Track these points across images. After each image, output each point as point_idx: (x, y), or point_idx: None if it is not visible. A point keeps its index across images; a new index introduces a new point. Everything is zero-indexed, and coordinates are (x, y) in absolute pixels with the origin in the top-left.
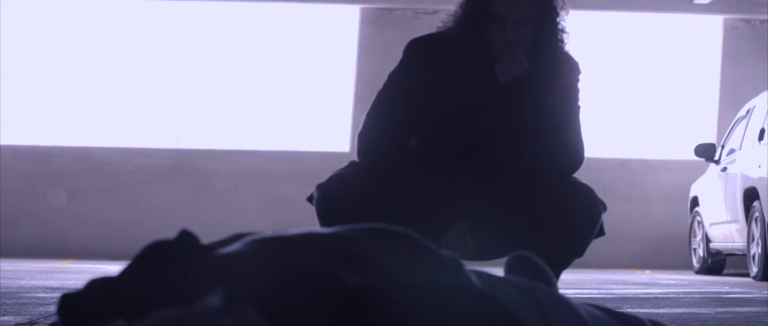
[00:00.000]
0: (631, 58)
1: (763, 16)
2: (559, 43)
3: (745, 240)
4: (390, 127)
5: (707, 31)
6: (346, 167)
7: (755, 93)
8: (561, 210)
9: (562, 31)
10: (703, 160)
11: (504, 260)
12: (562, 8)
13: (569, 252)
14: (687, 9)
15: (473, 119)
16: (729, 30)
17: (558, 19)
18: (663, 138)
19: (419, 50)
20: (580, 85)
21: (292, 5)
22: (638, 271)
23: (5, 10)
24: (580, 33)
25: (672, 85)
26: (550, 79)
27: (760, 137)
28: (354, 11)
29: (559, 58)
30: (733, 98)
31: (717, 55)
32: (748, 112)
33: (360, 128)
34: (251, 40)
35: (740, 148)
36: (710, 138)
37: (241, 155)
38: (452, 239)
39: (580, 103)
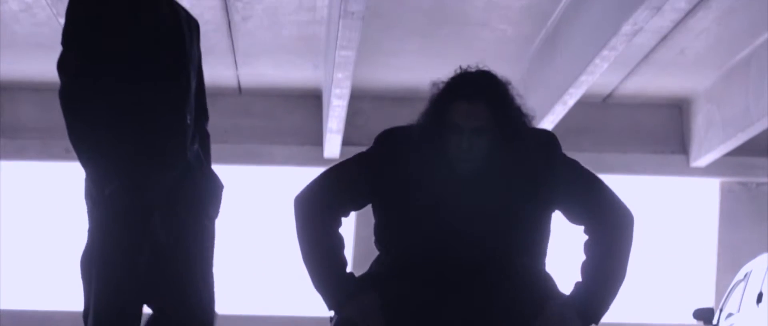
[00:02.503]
0: None
1: (760, 179)
2: (525, 144)
3: None
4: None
5: (704, 194)
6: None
7: (753, 256)
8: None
9: (524, 125)
10: (701, 323)
11: None
12: (520, 105)
13: None
14: (684, 172)
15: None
16: (726, 193)
17: (518, 127)
18: (661, 301)
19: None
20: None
21: None
22: None
23: (5, 175)
24: None
25: (669, 248)
26: (520, 179)
27: (758, 300)
28: None
29: (529, 158)
30: (731, 261)
31: (714, 217)
32: (746, 275)
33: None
34: None
35: (739, 311)
36: (708, 301)
37: None
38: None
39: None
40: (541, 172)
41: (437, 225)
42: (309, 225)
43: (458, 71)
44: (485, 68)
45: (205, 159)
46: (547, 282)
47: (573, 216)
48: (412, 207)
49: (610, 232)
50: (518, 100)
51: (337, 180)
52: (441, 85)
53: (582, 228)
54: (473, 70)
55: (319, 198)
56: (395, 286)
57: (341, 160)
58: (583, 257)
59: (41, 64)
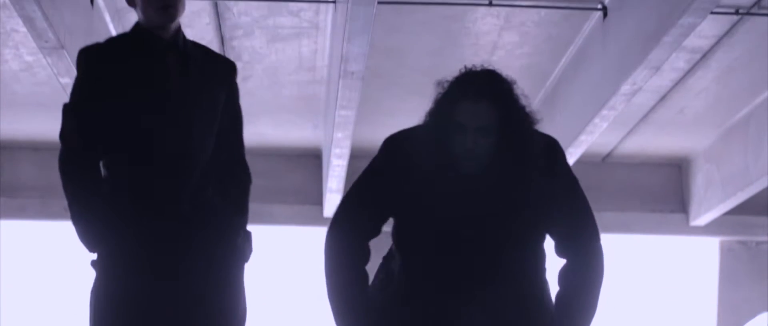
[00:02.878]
0: (628, 280)
1: (760, 238)
2: (529, 154)
3: None
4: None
5: (704, 253)
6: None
7: (753, 315)
8: None
9: (529, 125)
10: None
11: None
12: (530, 122)
13: None
14: (684, 231)
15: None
16: (726, 252)
17: (523, 125)
18: None
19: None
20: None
21: None
22: None
23: (4, 234)
24: None
25: (669, 307)
26: (524, 183)
27: None
28: None
29: (532, 159)
30: (732, 320)
31: (714, 277)
32: None
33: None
34: None
35: None
36: None
37: None
38: None
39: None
40: (543, 176)
41: (444, 226)
42: (335, 269)
43: (463, 70)
44: (490, 67)
45: (224, 207)
46: (542, 293)
47: (555, 232)
48: (421, 207)
49: (589, 262)
50: (523, 100)
51: (358, 200)
52: (446, 85)
53: (558, 248)
54: (478, 69)
55: (345, 230)
56: (407, 311)
57: (356, 178)
58: (559, 284)
59: (41, 124)
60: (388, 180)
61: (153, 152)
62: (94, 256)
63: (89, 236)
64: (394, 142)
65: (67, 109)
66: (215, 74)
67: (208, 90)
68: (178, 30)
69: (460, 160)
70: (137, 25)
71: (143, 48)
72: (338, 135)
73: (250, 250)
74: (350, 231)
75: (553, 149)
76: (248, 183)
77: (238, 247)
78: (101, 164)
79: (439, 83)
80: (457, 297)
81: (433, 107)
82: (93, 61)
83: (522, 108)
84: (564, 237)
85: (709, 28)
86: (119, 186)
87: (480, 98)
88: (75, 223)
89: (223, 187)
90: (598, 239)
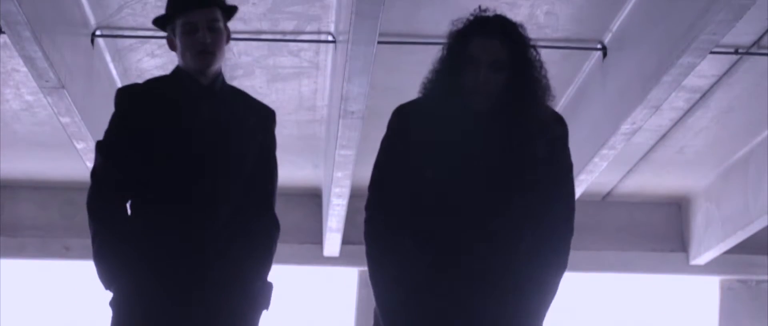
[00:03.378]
0: (629, 320)
1: (761, 277)
2: (538, 94)
3: None
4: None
5: (704, 292)
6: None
7: None
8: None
9: (540, 81)
10: None
11: None
12: (539, 63)
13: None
14: (684, 270)
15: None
16: (726, 291)
17: (534, 72)
18: None
19: (404, 120)
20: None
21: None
22: None
23: (4, 273)
24: (576, 295)
25: None
26: (532, 124)
27: None
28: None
29: (539, 107)
30: None
31: (714, 316)
32: None
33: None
34: None
35: None
36: None
37: None
38: None
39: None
40: (545, 142)
41: (449, 173)
42: (375, 254)
43: (476, 11)
44: (502, 13)
45: (246, 255)
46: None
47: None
48: (427, 145)
49: (557, 243)
50: (534, 50)
51: (386, 161)
52: (459, 25)
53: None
54: (490, 14)
55: (383, 207)
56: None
57: (381, 139)
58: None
59: (41, 163)
60: (405, 125)
61: (177, 196)
62: (111, 296)
63: (106, 274)
64: (405, 106)
65: (98, 146)
66: (251, 121)
67: (240, 136)
68: (218, 75)
69: (471, 95)
70: (177, 68)
71: (178, 91)
72: (338, 174)
73: (268, 301)
74: (388, 200)
75: (561, 122)
76: (274, 233)
77: (254, 296)
78: (129, 204)
79: (452, 22)
80: (457, 254)
81: (446, 42)
82: (126, 100)
83: (534, 49)
84: (540, 212)
85: (708, 68)
86: (142, 227)
87: (494, 34)
88: (94, 259)
89: (247, 235)
90: (570, 223)
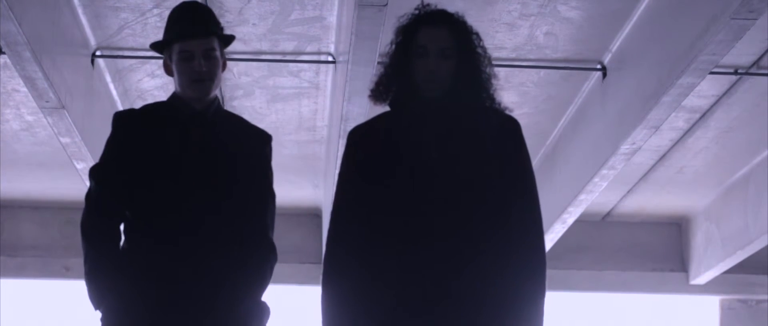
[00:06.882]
0: None
1: (760, 297)
2: (484, 81)
3: None
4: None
5: (704, 312)
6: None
7: None
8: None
9: (486, 70)
10: None
11: None
12: (484, 51)
13: None
14: (684, 290)
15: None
16: (726, 310)
17: (480, 60)
18: None
19: (358, 138)
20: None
21: None
22: None
23: (5, 293)
24: (576, 315)
25: None
26: (480, 117)
27: None
28: None
29: (487, 101)
30: None
31: None
32: None
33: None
34: None
35: None
36: None
37: None
38: None
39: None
40: (498, 140)
41: (410, 171)
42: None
43: (420, 6)
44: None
45: (237, 278)
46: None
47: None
48: (386, 144)
49: (527, 239)
50: (479, 39)
51: (348, 187)
52: (405, 19)
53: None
54: (434, 6)
55: (349, 234)
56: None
57: (338, 171)
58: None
59: (41, 183)
60: (359, 138)
61: (165, 220)
62: (99, 315)
63: (96, 294)
64: (356, 131)
65: (91, 171)
66: (245, 146)
67: (232, 161)
68: (213, 101)
69: (423, 84)
70: (174, 94)
71: (172, 117)
72: None
73: (261, 322)
74: (353, 221)
75: (513, 121)
76: (269, 256)
77: (245, 317)
78: (121, 227)
79: (397, 18)
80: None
81: (395, 37)
82: (120, 125)
83: (478, 35)
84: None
85: (708, 88)
86: (133, 250)
87: (441, 23)
88: (85, 280)
89: (240, 258)
90: (537, 234)
